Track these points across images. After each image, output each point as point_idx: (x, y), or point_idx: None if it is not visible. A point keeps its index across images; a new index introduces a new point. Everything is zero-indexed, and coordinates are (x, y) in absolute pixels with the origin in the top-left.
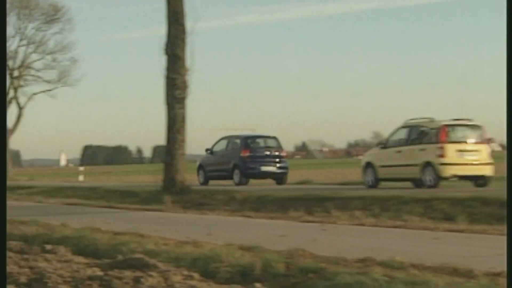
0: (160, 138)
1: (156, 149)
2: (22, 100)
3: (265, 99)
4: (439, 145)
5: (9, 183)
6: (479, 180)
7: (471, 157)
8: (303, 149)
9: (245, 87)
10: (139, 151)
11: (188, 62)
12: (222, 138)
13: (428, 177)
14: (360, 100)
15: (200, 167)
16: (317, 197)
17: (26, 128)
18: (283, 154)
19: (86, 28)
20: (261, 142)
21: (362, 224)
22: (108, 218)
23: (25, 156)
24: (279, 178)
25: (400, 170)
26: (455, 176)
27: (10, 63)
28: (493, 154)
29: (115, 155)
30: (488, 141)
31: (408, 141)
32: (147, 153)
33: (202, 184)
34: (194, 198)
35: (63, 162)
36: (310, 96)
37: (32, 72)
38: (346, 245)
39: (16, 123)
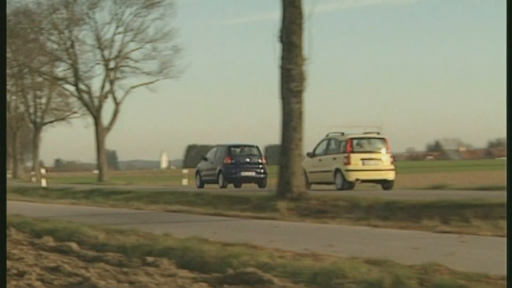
0: (273, 136)
1: (268, 149)
2: (118, 94)
3: (392, 92)
4: (345, 154)
5: (104, 187)
6: (384, 184)
7: (374, 164)
8: (436, 149)
9: (368, 79)
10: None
11: (306, 50)
12: (214, 147)
13: (338, 181)
14: (502, 94)
15: (197, 172)
16: (454, 203)
17: (124, 126)
18: (263, 161)
19: (190, 13)
20: (243, 150)
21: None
22: (216, 227)
23: (122, 157)
24: (259, 182)
25: (321, 175)
26: (359, 180)
27: (105, 53)
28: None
29: None
30: (390, 151)
31: (326, 151)
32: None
33: (198, 187)
34: (312, 205)
35: (164, 164)
36: (444, 89)
37: (130, 63)
38: (488, 260)
39: (112, 120)
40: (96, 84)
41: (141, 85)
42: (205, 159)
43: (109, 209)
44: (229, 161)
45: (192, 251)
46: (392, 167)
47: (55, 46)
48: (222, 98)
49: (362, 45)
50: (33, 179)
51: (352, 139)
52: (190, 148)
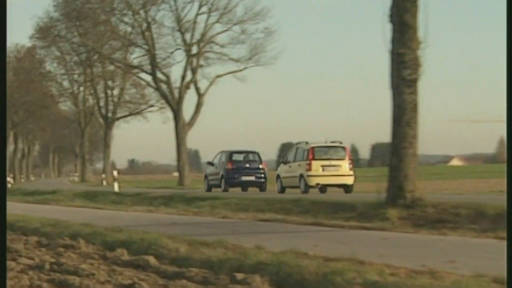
0: (381, 133)
1: (376, 148)
2: (202, 84)
3: None
4: (307, 161)
5: (186, 192)
6: (345, 188)
7: (333, 170)
8: None
9: (491, 65)
10: (354, 150)
11: (421, 32)
12: (219, 153)
13: (301, 185)
14: None
15: (205, 176)
16: None
17: (207, 122)
18: (262, 166)
19: None
20: (244, 156)
21: None
22: (316, 238)
23: (206, 158)
24: (259, 186)
25: (290, 180)
26: (319, 184)
27: (187, 36)
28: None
29: None
30: (350, 158)
31: (294, 159)
32: (364, 153)
33: (206, 191)
34: (428, 213)
35: None
36: None
37: (215, 48)
38: None
39: (194, 114)
40: (176, 73)
41: (227, 73)
42: (212, 164)
43: (192, 218)
44: (230, 166)
45: (288, 266)
46: (351, 173)
47: (129, 29)
48: (321, 89)
49: (484, 26)
50: (104, 182)
51: (313, 147)
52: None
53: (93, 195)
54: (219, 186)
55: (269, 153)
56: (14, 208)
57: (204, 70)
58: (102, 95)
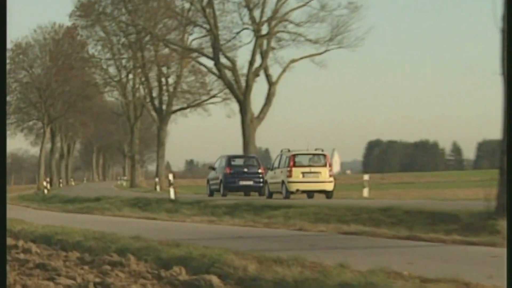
0: (490, 129)
1: (483, 146)
2: (273, 70)
3: None
4: (288, 168)
5: (254, 199)
6: (326, 194)
7: (313, 177)
8: None
9: None
10: (456, 149)
11: None
12: (219, 157)
13: (283, 191)
14: None
15: (207, 181)
16: None
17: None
18: (261, 170)
19: None
20: (242, 160)
21: None
22: (411, 255)
23: None
24: (258, 190)
25: (275, 185)
26: (299, 190)
27: (256, 14)
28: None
29: (417, 156)
30: (330, 165)
31: (278, 165)
32: (469, 152)
33: (208, 196)
34: None
35: (336, 168)
36: None
37: (290, 27)
38: None
39: (264, 106)
40: (242, 57)
41: (304, 57)
42: (213, 169)
43: (262, 230)
44: (229, 171)
45: None
46: (331, 179)
47: (186, 4)
48: (415, 77)
49: None
50: (157, 188)
51: (294, 155)
52: (372, 145)
53: (144, 202)
54: (218, 190)
55: (353, 153)
56: (52, 219)
57: (276, 54)
58: (155, 84)
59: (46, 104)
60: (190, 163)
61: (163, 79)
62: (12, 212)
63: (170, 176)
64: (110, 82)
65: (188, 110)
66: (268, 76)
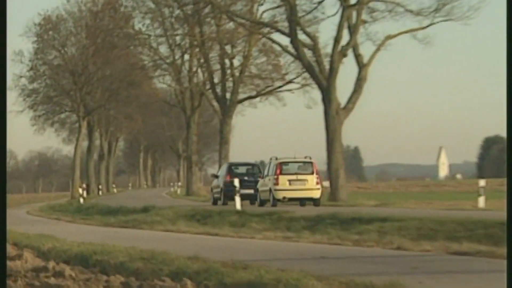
0: None
1: None
2: (365, 49)
3: None
4: (275, 176)
5: (341, 210)
6: (313, 202)
7: (300, 184)
8: None
9: None
10: None
11: None
12: (223, 165)
13: (270, 199)
14: None
15: (211, 189)
16: None
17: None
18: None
19: None
20: (244, 168)
21: None
22: None
23: (369, 160)
24: (257, 199)
25: (264, 193)
26: (286, 198)
27: None
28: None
29: None
30: (317, 172)
31: (267, 173)
32: None
33: (212, 204)
34: None
35: (443, 171)
36: None
37: None
38: None
39: (353, 93)
40: (326, 33)
41: (403, 33)
42: (216, 177)
43: (351, 249)
44: (229, 179)
45: None
46: (318, 187)
47: None
48: None
49: None
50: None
51: (281, 163)
52: (489, 143)
53: (204, 214)
54: (219, 199)
55: (465, 153)
56: (89, 234)
57: (368, 29)
58: (216, 66)
59: (82, 92)
60: (260, 164)
61: (226, 61)
62: (40, 226)
63: (236, 182)
64: (161, 64)
65: (257, 99)
66: (357, 57)
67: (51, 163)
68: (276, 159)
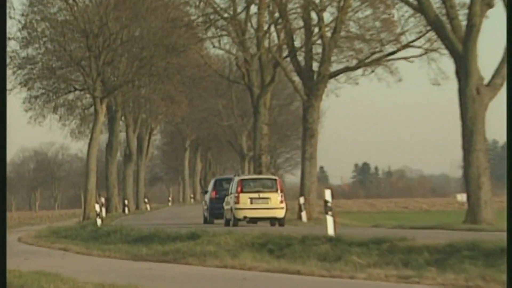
0: None
1: None
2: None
3: None
4: (236, 194)
5: (483, 237)
6: (277, 222)
7: (262, 203)
8: None
9: None
10: None
11: None
12: (212, 179)
13: (231, 218)
14: None
15: (202, 206)
16: None
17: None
18: None
19: None
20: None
21: None
22: None
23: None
24: None
25: (228, 212)
26: (247, 218)
27: None
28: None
29: None
30: (281, 190)
31: (230, 191)
32: None
33: (204, 223)
34: None
35: None
36: None
37: None
38: None
39: (502, 64)
40: None
41: None
42: (205, 192)
43: None
44: (214, 195)
45: None
46: (282, 205)
47: None
48: None
49: None
50: (303, 215)
51: (242, 180)
52: None
53: (280, 243)
54: (206, 216)
55: None
56: (110, 272)
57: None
58: (299, 23)
59: (100, 61)
60: (363, 169)
61: (313, 14)
62: (39, 259)
63: (327, 194)
64: (216, 20)
65: (359, 71)
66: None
67: (54, 166)
68: (239, 175)
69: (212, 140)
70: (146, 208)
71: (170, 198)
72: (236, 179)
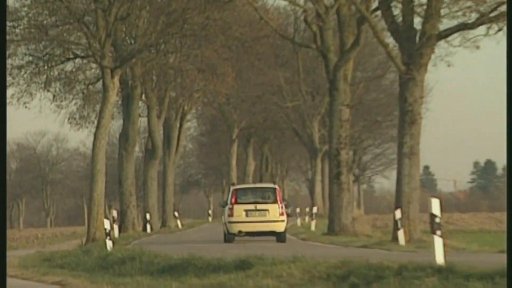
0: None
1: None
2: None
3: None
4: (230, 206)
5: None
6: (276, 237)
7: (259, 215)
8: None
9: None
10: None
11: None
12: (231, 187)
13: (225, 233)
14: None
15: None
16: None
17: None
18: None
19: None
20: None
21: None
22: None
23: None
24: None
25: (224, 227)
26: (242, 232)
27: None
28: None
29: None
30: (282, 200)
31: (226, 203)
32: None
33: (224, 242)
34: None
35: None
36: None
37: None
38: None
39: None
40: None
41: None
42: (225, 205)
43: None
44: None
45: None
46: (282, 218)
47: None
48: None
49: None
50: (400, 235)
51: (236, 189)
52: None
53: (366, 275)
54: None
55: None
56: None
57: None
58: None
59: (110, 16)
60: (485, 169)
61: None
62: None
63: (434, 206)
64: None
65: (480, 29)
66: None
67: (45, 166)
68: (233, 184)
69: (270, 128)
70: (177, 225)
71: (210, 211)
72: (231, 188)
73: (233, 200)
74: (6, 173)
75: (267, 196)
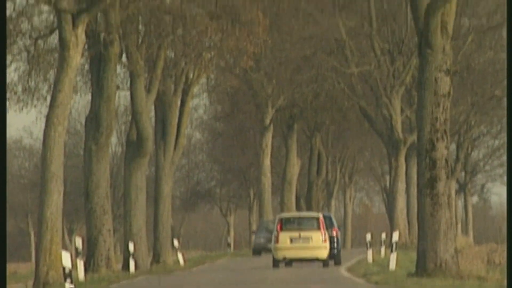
0: None
1: None
2: None
3: None
4: (275, 233)
5: None
6: (322, 262)
7: (303, 242)
8: None
9: None
10: None
11: None
12: (277, 216)
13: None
14: None
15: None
16: None
17: None
18: (332, 234)
19: None
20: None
21: None
22: None
23: None
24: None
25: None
26: (286, 258)
27: None
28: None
29: None
30: (324, 228)
31: (272, 231)
32: None
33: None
34: None
35: None
36: None
37: None
38: None
39: None
40: None
41: None
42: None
43: None
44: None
45: None
46: (325, 245)
47: None
48: None
49: None
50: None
51: (282, 218)
52: None
53: None
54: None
55: None
56: None
57: None
58: None
59: None
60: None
61: None
62: None
63: None
64: None
65: None
66: None
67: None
68: (279, 214)
69: (325, 108)
70: (177, 262)
71: (230, 240)
72: (277, 217)
73: (278, 228)
74: (6, 173)
75: (310, 224)
